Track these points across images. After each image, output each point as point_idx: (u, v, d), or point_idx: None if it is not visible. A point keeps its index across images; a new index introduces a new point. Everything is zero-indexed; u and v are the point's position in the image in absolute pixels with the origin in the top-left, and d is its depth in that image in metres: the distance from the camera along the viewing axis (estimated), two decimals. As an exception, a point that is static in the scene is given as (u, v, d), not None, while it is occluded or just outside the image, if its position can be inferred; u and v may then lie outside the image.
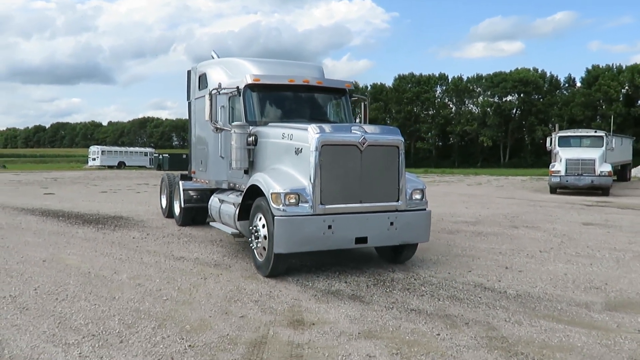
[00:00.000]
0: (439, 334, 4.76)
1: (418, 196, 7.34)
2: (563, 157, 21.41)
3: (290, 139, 7.10)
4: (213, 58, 10.65)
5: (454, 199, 19.26)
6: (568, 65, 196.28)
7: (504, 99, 79.52)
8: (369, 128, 7.06)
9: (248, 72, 8.61)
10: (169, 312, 5.36)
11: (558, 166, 21.56)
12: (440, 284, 6.56)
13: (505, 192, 23.88)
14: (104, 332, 4.72)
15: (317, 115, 8.69)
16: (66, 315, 5.21)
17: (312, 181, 6.53)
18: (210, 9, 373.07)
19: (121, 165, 60.75)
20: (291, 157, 7.00)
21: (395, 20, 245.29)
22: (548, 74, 79.97)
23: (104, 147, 66.02)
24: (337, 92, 9.04)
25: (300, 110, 8.66)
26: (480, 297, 5.96)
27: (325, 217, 6.51)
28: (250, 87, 8.22)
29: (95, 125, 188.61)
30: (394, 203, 6.97)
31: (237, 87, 8.31)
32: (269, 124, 8.05)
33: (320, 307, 5.56)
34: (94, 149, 62.55)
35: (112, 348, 4.37)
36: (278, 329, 4.86)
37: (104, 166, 59.05)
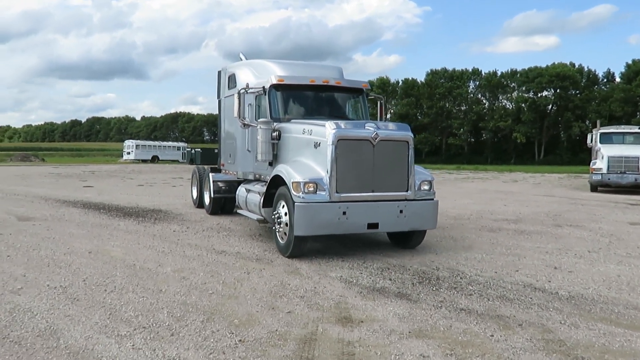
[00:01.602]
0: (492, 335, 4.63)
1: (426, 187, 7.93)
2: (605, 154, 20.73)
3: (310, 134, 7.79)
4: (241, 60, 11.58)
5: (491, 196, 18.89)
6: (606, 60, 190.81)
7: (539, 95, 77.66)
8: (382, 125, 7.75)
9: (273, 73, 9.35)
10: (216, 306, 5.36)
11: (600, 163, 20.91)
12: (488, 283, 6.40)
13: (543, 189, 23.32)
14: (154, 325, 4.75)
15: (336, 113, 9.38)
16: (116, 306, 5.26)
17: (328, 172, 7.24)
18: (242, 3, 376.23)
19: (155, 159, 61.83)
20: (310, 150, 7.70)
21: (427, 14, 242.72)
22: (586, 69, 77.82)
23: (139, 141, 67.33)
24: (354, 91, 9.73)
25: (320, 108, 9.36)
26: (531, 298, 5.78)
27: (340, 204, 7.23)
28: (275, 86, 8.96)
29: (129, 120, 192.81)
30: (404, 193, 7.63)
31: (263, 87, 9.03)
32: (292, 120, 8.71)
33: (366, 304, 5.48)
34: (129, 143, 63.83)
35: (163, 341, 4.38)
36: (327, 326, 4.80)
37: (138, 160, 60.23)
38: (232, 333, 4.58)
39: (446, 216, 12.59)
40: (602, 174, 20.64)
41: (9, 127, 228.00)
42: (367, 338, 4.52)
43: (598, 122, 23.95)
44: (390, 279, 6.51)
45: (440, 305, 5.49)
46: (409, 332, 4.67)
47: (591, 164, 21.53)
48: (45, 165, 46.58)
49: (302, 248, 7.58)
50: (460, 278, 6.62)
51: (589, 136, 23.82)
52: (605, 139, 22.22)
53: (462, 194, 20.10)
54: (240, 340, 4.43)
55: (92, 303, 5.36)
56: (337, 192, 7.24)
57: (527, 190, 22.84)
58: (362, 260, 7.54)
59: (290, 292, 5.87)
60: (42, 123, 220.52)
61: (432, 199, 7.99)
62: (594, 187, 21.51)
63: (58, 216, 11.66)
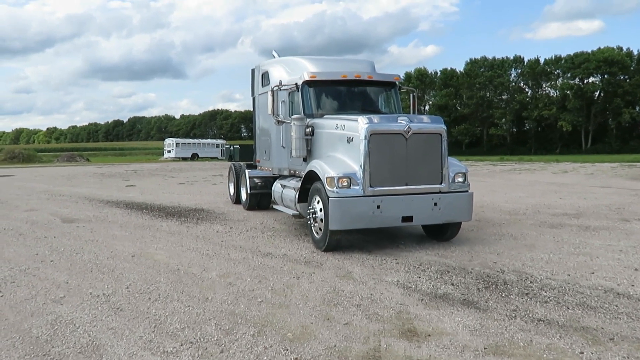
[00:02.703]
0: (582, 353, 4.04)
1: (460, 179, 7.84)
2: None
3: (343, 129, 7.80)
4: (274, 57, 11.64)
5: (544, 189, 17.93)
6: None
7: (585, 81, 74.58)
8: (414, 118, 7.72)
9: (305, 69, 9.35)
10: (266, 316, 4.95)
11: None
12: (563, 288, 5.77)
13: (597, 180, 22.08)
14: (202, 339, 4.37)
15: (368, 107, 9.34)
16: (161, 317, 4.93)
17: (362, 166, 7.25)
18: None
19: (194, 156, 62.47)
20: (344, 145, 7.72)
21: (464, 2, 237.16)
22: (635, 52, 74.15)
23: (179, 139, 68.13)
24: (386, 85, 9.61)
25: (352, 102, 9.34)
26: (616, 306, 5.14)
27: (374, 198, 7.24)
28: (308, 83, 8.97)
29: (168, 119, 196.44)
30: (438, 185, 7.57)
31: (296, 84, 9.06)
32: (325, 116, 8.72)
33: (431, 314, 4.97)
34: (169, 142, 64.67)
35: (212, 358, 4.00)
36: (390, 341, 4.31)
37: (179, 158, 60.95)
38: (287, 349, 4.15)
39: (500, 211, 11.88)
40: (663, 162, 19.30)
41: (55, 128, 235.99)
42: (439, 356, 4.01)
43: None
44: (452, 284, 5.97)
45: (513, 315, 4.92)
46: (485, 349, 4.13)
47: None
48: (89, 165, 47.71)
49: (338, 242, 7.62)
50: (530, 282, 6.01)
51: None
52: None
53: (512, 186, 19.19)
54: (296, 358, 4.00)
55: (136, 314, 5.04)
56: (370, 186, 7.25)
57: (580, 181, 21.67)
58: (418, 262, 7.02)
59: (345, 300, 5.41)
60: (87, 124, 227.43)
61: (467, 191, 7.90)
62: (655, 177, 20.18)
63: (101, 217, 11.57)
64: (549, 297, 5.42)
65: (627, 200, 14.11)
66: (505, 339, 4.32)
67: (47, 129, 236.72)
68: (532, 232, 9.24)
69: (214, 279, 6.31)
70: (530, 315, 4.90)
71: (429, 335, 4.43)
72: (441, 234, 8.31)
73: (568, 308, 5.09)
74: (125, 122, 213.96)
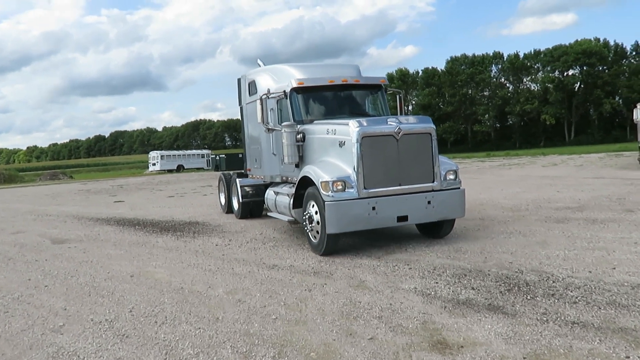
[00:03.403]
0: (628, 357, 3.80)
1: (452, 176, 7.96)
2: (657, 129, 19.46)
3: (334, 134, 7.86)
4: (259, 66, 11.70)
5: (538, 183, 17.85)
6: (630, 32, 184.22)
7: (565, 74, 75.44)
8: (403, 119, 7.83)
9: (292, 76, 9.36)
10: (284, 334, 4.64)
11: (651, 140, 19.65)
12: (588, 286, 5.54)
13: (588, 171, 22.12)
14: (219, 365, 4.05)
15: (356, 110, 9.44)
16: (171, 342, 4.59)
17: (355, 169, 7.33)
18: (253, 7, 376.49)
19: (180, 168, 61.78)
20: (336, 149, 7.78)
21: (440, 2, 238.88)
22: (612, 43, 75.23)
23: (163, 151, 67.34)
24: (373, 88, 9.70)
25: (341, 107, 9.38)
26: (649, 302, 4.92)
27: (369, 199, 7.33)
28: (295, 90, 9.02)
29: (151, 132, 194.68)
30: (430, 184, 7.69)
31: (284, 91, 9.12)
32: (314, 121, 8.78)
33: (458, 322, 4.70)
34: (154, 154, 63.89)
35: (234, 387, 3.68)
36: (422, 355, 4.03)
37: (164, 170, 60.21)
38: (314, 372, 3.85)
39: (502, 208, 11.70)
40: (655, 150, 19.37)
41: (35, 147, 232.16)
42: (478, 370, 3.74)
43: (643, 96, 22.49)
44: (472, 288, 5.71)
45: (545, 318, 4.67)
46: (524, 358, 3.87)
47: (642, 140, 20.26)
48: (73, 182, 46.83)
49: (335, 245, 7.70)
50: (553, 282, 5.77)
51: (634, 112, 22.50)
52: (654, 113, 20.91)
53: (506, 182, 19.09)
54: (325, 381, 3.70)
55: (143, 340, 4.70)
56: (365, 188, 7.34)
57: (572, 173, 21.68)
58: (431, 266, 6.75)
59: (364, 312, 5.12)
60: (68, 141, 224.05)
61: (459, 188, 8.05)
62: (646, 165, 20.26)
63: (93, 236, 11.14)
64: (576, 297, 5.18)
65: (624, 190, 14.04)
66: (543, 346, 4.07)
67: (27, 147, 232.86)
68: (540, 228, 9.04)
69: (222, 296, 5.98)
70: (562, 318, 4.65)
71: (462, 346, 4.16)
72: (436, 231, 8.42)
73: (600, 308, 4.85)
74: (106, 137, 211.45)
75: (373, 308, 5.23)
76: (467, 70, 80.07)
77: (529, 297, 5.28)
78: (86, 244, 10.11)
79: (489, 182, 19.71)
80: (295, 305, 5.47)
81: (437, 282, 6.01)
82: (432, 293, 5.62)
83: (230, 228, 11.14)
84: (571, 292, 5.37)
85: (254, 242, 9.32)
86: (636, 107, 22.76)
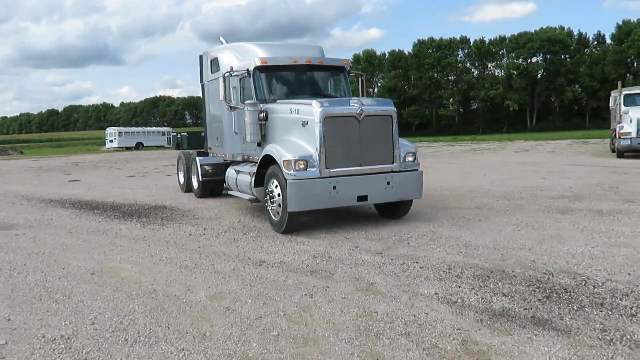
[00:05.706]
0: None
1: (410, 158, 8.18)
2: (634, 117, 19.26)
3: (297, 113, 7.91)
4: (222, 44, 11.41)
5: (519, 169, 17.38)
6: (590, 22, 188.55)
7: (529, 60, 76.26)
8: (366, 101, 7.96)
9: (256, 55, 9.31)
10: (293, 358, 3.69)
11: (628, 127, 19.47)
12: (636, 293, 4.80)
13: (564, 158, 21.91)
14: (217, 410, 3.07)
15: (319, 91, 9.45)
16: (148, 371, 3.56)
17: (317, 149, 7.45)
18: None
19: (139, 145, 59.46)
20: (298, 129, 7.84)
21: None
22: (575, 32, 76.42)
23: (121, 128, 64.62)
24: (336, 69, 9.70)
25: (304, 87, 9.39)
26: None
27: (330, 179, 7.48)
28: (259, 68, 8.96)
29: (107, 107, 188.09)
30: (390, 165, 7.88)
31: (247, 69, 9.05)
32: (277, 101, 8.80)
33: (505, 342, 3.85)
34: (111, 131, 61.20)
35: None
36: (478, 393, 3.16)
37: (122, 148, 57.77)
38: (346, 420, 2.91)
39: (494, 196, 11.02)
40: (631, 138, 19.20)
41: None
42: (561, 417, 2.89)
43: (619, 83, 22.36)
44: (504, 294, 4.88)
45: (607, 337, 3.87)
46: (610, 398, 3.05)
47: (618, 128, 20.07)
48: (24, 158, 44.03)
49: (297, 223, 7.80)
50: (593, 287, 5.01)
51: (611, 99, 22.36)
52: (630, 100, 20.75)
53: (484, 167, 18.57)
54: None
55: (111, 367, 3.65)
56: (326, 168, 7.47)
57: (548, 159, 21.40)
58: (445, 265, 5.91)
59: (385, 327, 4.20)
60: (18, 114, 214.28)
61: (417, 170, 8.25)
62: (621, 153, 20.12)
63: (45, 221, 9.82)
64: (633, 309, 4.42)
65: (611, 179, 13.63)
66: (624, 379, 3.26)
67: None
68: (546, 219, 8.35)
69: (205, 302, 4.96)
70: (629, 337, 3.87)
71: (524, 379, 3.31)
72: (393, 212, 8.64)
73: (665, 323, 4.10)
74: (60, 111, 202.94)
75: (394, 321, 4.33)
76: (434, 54, 79.87)
77: (575, 308, 4.49)
78: (37, 231, 8.82)
79: (467, 167, 19.16)
80: (298, 317, 4.51)
81: (459, 286, 5.16)
82: (459, 301, 4.76)
83: (203, 214, 10.03)
84: (622, 301, 4.61)
85: (232, 231, 8.28)
86: (611, 94, 22.63)
